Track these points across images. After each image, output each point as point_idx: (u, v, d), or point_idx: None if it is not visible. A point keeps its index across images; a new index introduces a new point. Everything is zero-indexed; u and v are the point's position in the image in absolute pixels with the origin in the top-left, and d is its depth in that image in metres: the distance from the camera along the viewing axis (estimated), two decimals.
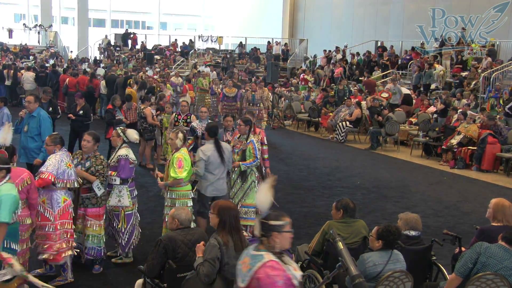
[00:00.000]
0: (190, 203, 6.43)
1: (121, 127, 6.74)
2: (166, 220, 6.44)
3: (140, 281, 4.81)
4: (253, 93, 14.77)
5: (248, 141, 7.09)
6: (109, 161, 6.38)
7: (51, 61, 24.28)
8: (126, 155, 6.19)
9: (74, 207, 5.75)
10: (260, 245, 3.27)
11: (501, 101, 15.65)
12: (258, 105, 14.52)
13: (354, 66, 24.14)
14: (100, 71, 21.24)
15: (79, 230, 5.96)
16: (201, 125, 8.65)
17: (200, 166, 6.59)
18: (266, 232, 3.25)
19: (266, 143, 7.87)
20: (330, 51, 26.53)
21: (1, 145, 5.08)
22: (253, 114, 8.34)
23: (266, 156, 7.83)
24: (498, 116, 14.46)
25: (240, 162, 6.96)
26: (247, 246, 4.29)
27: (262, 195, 3.33)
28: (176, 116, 10.32)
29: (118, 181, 6.09)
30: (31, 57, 27.27)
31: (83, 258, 6.03)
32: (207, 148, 6.69)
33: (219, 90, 17.56)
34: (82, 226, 5.95)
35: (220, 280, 4.10)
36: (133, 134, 6.39)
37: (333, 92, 19.24)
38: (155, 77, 19.51)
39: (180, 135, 6.37)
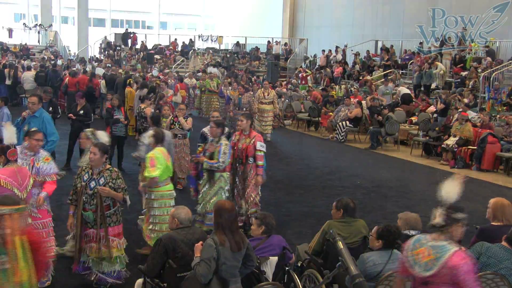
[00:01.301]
0: (171, 203, 6.36)
1: (90, 129, 6.69)
2: (150, 220, 6.39)
3: (140, 281, 4.81)
4: (239, 96, 14.54)
5: (217, 144, 6.92)
6: (80, 163, 6.36)
7: (59, 62, 24.27)
8: None
9: (103, 228, 5.35)
10: (438, 235, 3.46)
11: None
12: (244, 109, 14.18)
13: (357, 66, 24.12)
14: (99, 71, 21.24)
15: (98, 255, 5.39)
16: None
17: (142, 150, 7.45)
18: (450, 223, 3.44)
19: (260, 148, 7.29)
20: (330, 50, 26.54)
21: (9, 144, 5.09)
22: (251, 116, 7.96)
23: (260, 162, 7.30)
24: (498, 116, 14.47)
25: (205, 159, 6.87)
26: (248, 247, 4.31)
27: (450, 186, 3.49)
28: (172, 118, 9.55)
29: None
30: (45, 58, 27.12)
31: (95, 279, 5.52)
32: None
33: (228, 92, 17.28)
34: (102, 249, 5.36)
35: (216, 280, 4.11)
36: (103, 136, 6.28)
37: (334, 92, 19.25)
38: (161, 76, 19.52)
39: (151, 132, 6.62)
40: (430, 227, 3.51)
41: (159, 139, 6.55)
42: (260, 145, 7.30)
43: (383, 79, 20.15)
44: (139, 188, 6.55)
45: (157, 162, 6.22)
